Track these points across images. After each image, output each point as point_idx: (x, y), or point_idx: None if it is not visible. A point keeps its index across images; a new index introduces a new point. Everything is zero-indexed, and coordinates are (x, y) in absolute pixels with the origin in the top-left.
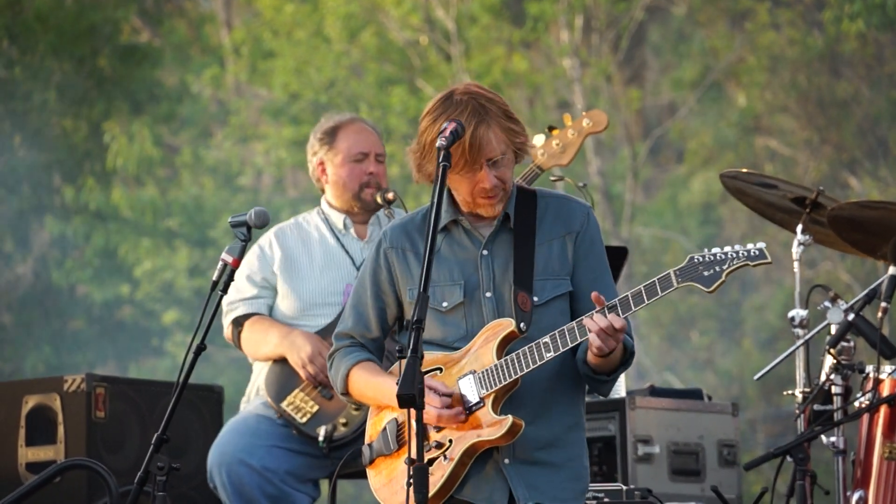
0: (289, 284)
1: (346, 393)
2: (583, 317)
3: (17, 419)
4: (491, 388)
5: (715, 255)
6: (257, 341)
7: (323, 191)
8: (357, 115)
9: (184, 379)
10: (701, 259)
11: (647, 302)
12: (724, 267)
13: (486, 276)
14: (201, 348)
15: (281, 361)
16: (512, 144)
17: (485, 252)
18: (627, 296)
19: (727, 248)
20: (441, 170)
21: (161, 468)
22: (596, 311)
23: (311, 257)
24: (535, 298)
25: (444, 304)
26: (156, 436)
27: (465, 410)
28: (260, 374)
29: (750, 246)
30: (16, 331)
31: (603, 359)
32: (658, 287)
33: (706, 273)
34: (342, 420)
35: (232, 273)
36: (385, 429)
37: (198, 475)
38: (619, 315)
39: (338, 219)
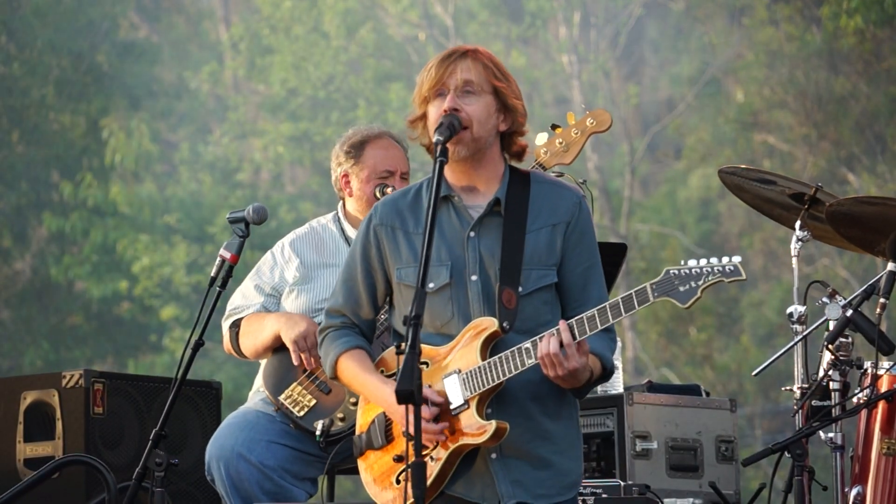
0: (300, 287)
1: (335, 378)
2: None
3: (15, 415)
4: (475, 390)
5: (691, 269)
6: (255, 331)
7: (343, 199)
8: (386, 130)
9: (182, 375)
10: (677, 273)
11: (623, 315)
12: (700, 283)
13: (472, 259)
14: (199, 344)
15: (279, 354)
16: (491, 86)
17: (472, 234)
18: (595, 312)
19: (703, 262)
20: (438, 165)
21: (159, 464)
22: (547, 334)
23: (325, 262)
24: (520, 289)
25: (431, 284)
26: (154, 432)
27: (449, 421)
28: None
29: (725, 261)
30: (14, 326)
31: (561, 380)
32: (635, 301)
33: (682, 288)
34: (339, 415)
35: (230, 269)
36: (374, 422)
37: (196, 471)
38: (575, 337)
39: (352, 233)
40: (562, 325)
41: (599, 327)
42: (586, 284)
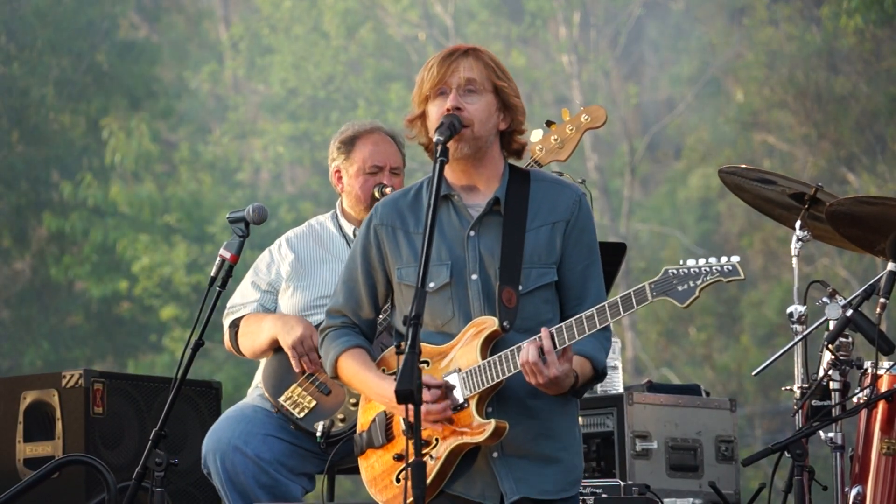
0: (296, 283)
1: (336, 377)
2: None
3: (15, 415)
4: (475, 389)
5: (689, 269)
6: (253, 332)
7: (340, 196)
8: (378, 124)
9: (182, 374)
10: (675, 272)
11: (622, 314)
12: (698, 282)
13: (472, 258)
14: (199, 344)
15: (279, 355)
16: (492, 85)
17: (472, 233)
18: (594, 312)
19: (701, 262)
20: (439, 165)
21: (159, 464)
22: (528, 341)
23: (322, 258)
24: (521, 287)
25: (431, 284)
26: (154, 431)
27: (452, 406)
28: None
29: (724, 260)
30: (14, 326)
31: (543, 387)
32: (634, 300)
33: (680, 288)
34: (340, 416)
35: (230, 269)
36: (374, 420)
37: (196, 470)
38: (556, 346)
39: (349, 229)
40: (543, 332)
41: (598, 327)
42: (585, 282)
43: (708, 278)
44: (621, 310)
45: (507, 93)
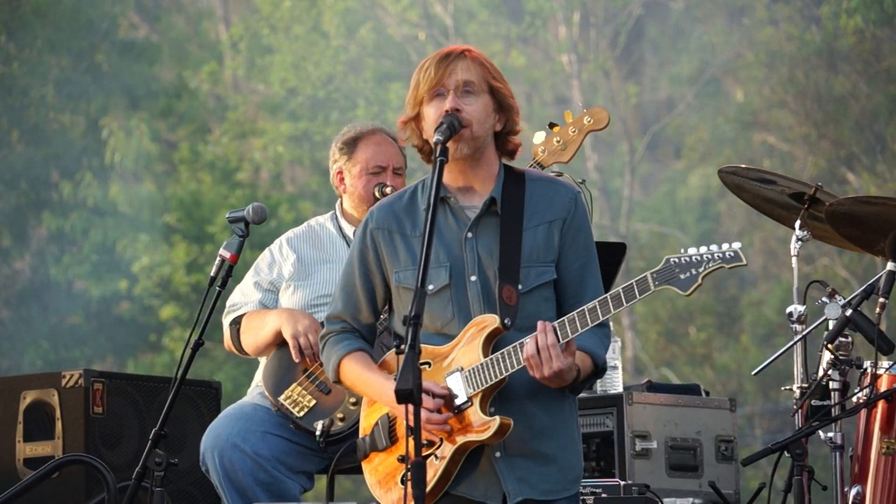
0: (297, 282)
1: (338, 381)
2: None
3: (14, 415)
4: (478, 387)
5: (691, 256)
6: (256, 327)
7: (341, 197)
8: (379, 126)
9: (182, 374)
10: (677, 261)
11: (624, 305)
12: (700, 270)
13: (470, 259)
14: (199, 344)
15: (279, 354)
16: (488, 86)
17: (469, 235)
18: (597, 304)
19: (703, 249)
20: (438, 165)
21: (159, 463)
22: (532, 335)
23: (322, 258)
24: (520, 286)
25: (431, 286)
26: (154, 431)
27: (453, 414)
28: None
29: (725, 247)
30: (14, 326)
31: (547, 381)
32: (636, 290)
33: (682, 276)
34: (339, 415)
35: (230, 269)
36: (377, 424)
37: (196, 470)
38: (559, 339)
39: (349, 230)
40: (547, 326)
41: (601, 318)
42: (583, 280)
43: (710, 265)
44: (623, 300)
45: (503, 94)
